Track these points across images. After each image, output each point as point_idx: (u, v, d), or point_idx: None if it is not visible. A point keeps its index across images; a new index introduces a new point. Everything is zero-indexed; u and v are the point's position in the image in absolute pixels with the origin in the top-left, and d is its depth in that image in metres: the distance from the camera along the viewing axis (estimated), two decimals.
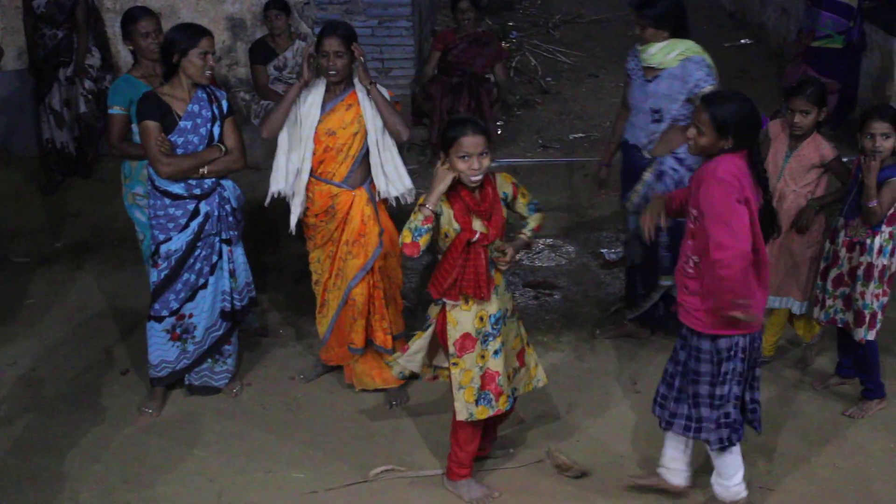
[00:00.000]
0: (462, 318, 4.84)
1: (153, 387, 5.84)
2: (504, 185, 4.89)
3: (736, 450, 4.83)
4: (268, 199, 5.73)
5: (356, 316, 5.71)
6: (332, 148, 5.53)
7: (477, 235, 4.73)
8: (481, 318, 4.85)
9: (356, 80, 5.55)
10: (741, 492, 4.92)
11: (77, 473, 5.31)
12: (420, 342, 5.00)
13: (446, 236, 4.76)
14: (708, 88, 5.69)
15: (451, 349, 4.87)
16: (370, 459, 5.40)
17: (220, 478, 5.29)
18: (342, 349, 5.86)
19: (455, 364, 4.89)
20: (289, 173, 5.63)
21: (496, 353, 4.88)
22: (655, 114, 5.89)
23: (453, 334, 4.86)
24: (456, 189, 4.72)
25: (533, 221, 5.04)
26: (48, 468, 5.33)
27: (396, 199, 5.67)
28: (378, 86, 5.55)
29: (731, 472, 4.88)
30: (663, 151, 5.93)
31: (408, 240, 4.68)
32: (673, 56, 5.84)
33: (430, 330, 4.97)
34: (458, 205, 4.73)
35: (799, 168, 5.71)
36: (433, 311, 4.99)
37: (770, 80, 11.01)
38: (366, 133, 5.54)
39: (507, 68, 9.73)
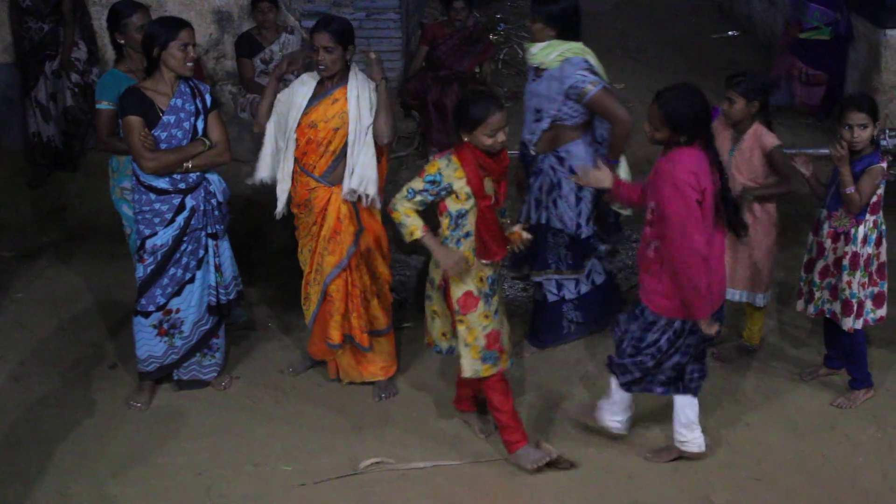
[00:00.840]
0: (465, 277, 5.02)
1: (141, 381, 5.83)
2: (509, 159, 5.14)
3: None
4: (255, 180, 5.75)
5: (332, 312, 5.71)
6: (314, 141, 5.51)
7: (493, 199, 4.98)
8: (480, 279, 5.05)
9: (351, 76, 5.52)
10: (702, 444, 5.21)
11: (66, 467, 5.30)
12: (432, 310, 5.28)
13: (465, 199, 4.93)
14: (588, 88, 5.68)
15: (456, 307, 5.06)
16: (359, 452, 5.41)
17: (209, 471, 5.28)
18: (324, 344, 5.86)
19: (461, 321, 5.08)
20: (274, 161, 5.64)
21: (496, 312, 5.11)
22: (537, 113, 5.89)
23: (456, 293, 5.05)
24: (472, 155, 4.89)
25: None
26: (37, 462, 5.32)
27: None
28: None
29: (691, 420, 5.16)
30: (545, 149, 5.94)
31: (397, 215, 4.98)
32: (553, 57, 5.78)
33: (438, 294, 5.18)
34: (472, 169, 4.88)
35: (743, 161, 5.75)
36: (436, 273, 5.13)
37: (757, 72, 11.00)
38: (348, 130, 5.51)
39: (492, 65, 9.72)
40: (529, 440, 5.30)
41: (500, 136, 4.86)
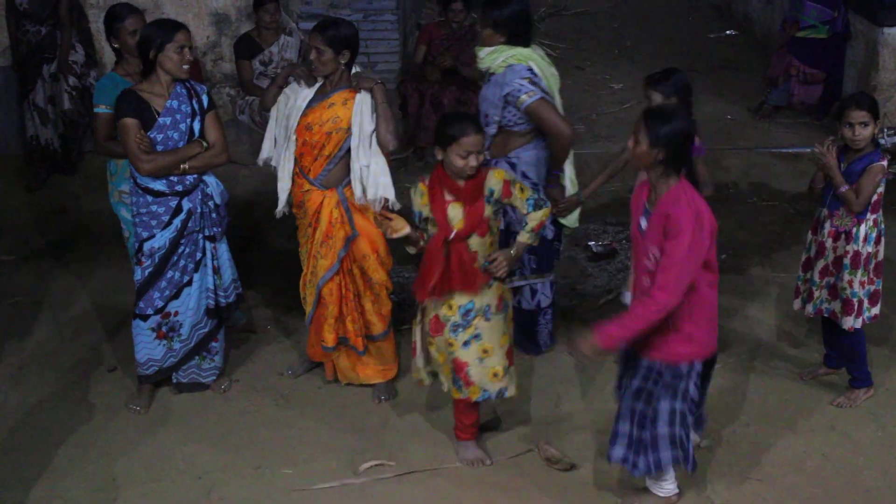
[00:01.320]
0: (433, 302, 5.03)
1: (140, 384, 5.82)
2: (493, 181, 4.91)
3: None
4: (259, 161, 5.78)
5: (326, 315, 5.71)
6: (308, 143, 5.50)
7: (453, 234, 4.85)
8: (450, 306, 5.00)
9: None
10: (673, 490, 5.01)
11: (65, 471, 5.30)
12: (417, 337, 5.24)
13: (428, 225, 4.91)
14: (524, 98, 5.62)
15: (426, 328, 5.10)
16: (359, 455, 5.40)
17: (209, 474, 5.28)
18: (319, 346, 5.86)
19: (430, 343, 5.14)
20: (277, 142, 5.65)
21: (465, 343, 5.02)
22: (485, 118, 5.81)
23: (428, 315, 5.09)
24: (439, 180, 4.86)
25: (532, 221, 5.06)
26: (36, 466, 5.31)
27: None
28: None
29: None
30: (497, 154, 5.89)
31: None
32: (499, 62, 5.73)
33: (419, 318, 5.17)
34: (436, 196, 4.85)
35: None
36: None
37: (755, 71, 11.00)
38: (344, 135, 5.48)
39: None
40: (532, 441, 5.36)
41: (472, 161, 4.77)
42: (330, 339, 5.73)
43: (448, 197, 4.87)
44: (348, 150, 5.51)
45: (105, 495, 5.14)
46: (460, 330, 5.01)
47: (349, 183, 5.56)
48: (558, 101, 5.88)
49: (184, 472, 5.31)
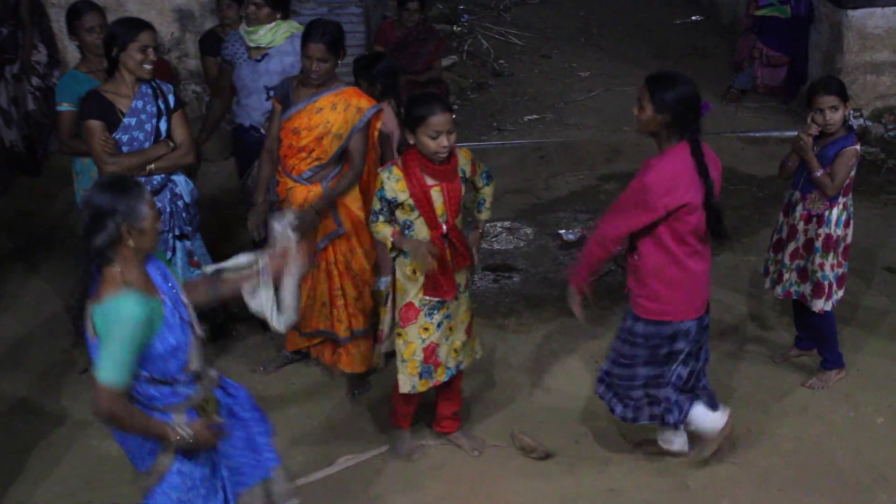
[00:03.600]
0: (409, 287, 4.94)
1: None
2: (463, 160, 4.93)
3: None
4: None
5: (306, 305, 5.70)
6: (295, 147, 5.47)
7: (445, 228, 4.82)
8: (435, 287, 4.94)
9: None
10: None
11: (37, 475, 5.26)
12: (388, 318, 5.13)
13: (409, 210, 4.81)
14: None
15: (396, 317, 5.00)
16: (334, 449, 5.40)
17: None
18: (295, 333, 5.86)
19: (399, 335, 5.01)
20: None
21: (439, 325, 4.97)
22: (270, 91, 6.05)
23: (399, 302, 4.99)
24: (415, 162, 4.78)
25: (487, 197, 5.16)
26: (7, 470, 5.27)
27: None
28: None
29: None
30: None
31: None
32: (280, 34, 6.12)
33: (390, 302, 5.08)
34: (415, 180, 4.76)
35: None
36: (388, 282, 5.10)
37: (721, 57, 11.06)
38: (334, 140, 5.42)
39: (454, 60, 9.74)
40: (509, 430, 5.40)
41: (444, 140, 4.70)
42: (308, 326, 5.75)
43: (430, 181, 4.79)
44: (340, 155, 5.49)
45: (79, 498, 5.11)
46: (435, 312, 4.95)
47: (336, 175, 5.53)
48: None
49: None
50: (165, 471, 3.84)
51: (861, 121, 8.93)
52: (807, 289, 5.61)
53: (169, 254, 5.59)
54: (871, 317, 6.43)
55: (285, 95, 5.51)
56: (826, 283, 5.55)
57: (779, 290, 5.75)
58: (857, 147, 5.44)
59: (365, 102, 5.49)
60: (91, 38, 5.81)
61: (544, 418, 5.61)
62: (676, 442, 5.15)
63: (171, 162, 5.49)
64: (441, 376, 5.07)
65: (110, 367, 3.54)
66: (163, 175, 5.48)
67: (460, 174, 4.88)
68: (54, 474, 5.27)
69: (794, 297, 5.71)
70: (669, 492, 5.07)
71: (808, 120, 5.43)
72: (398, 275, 4.97)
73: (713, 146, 4.77)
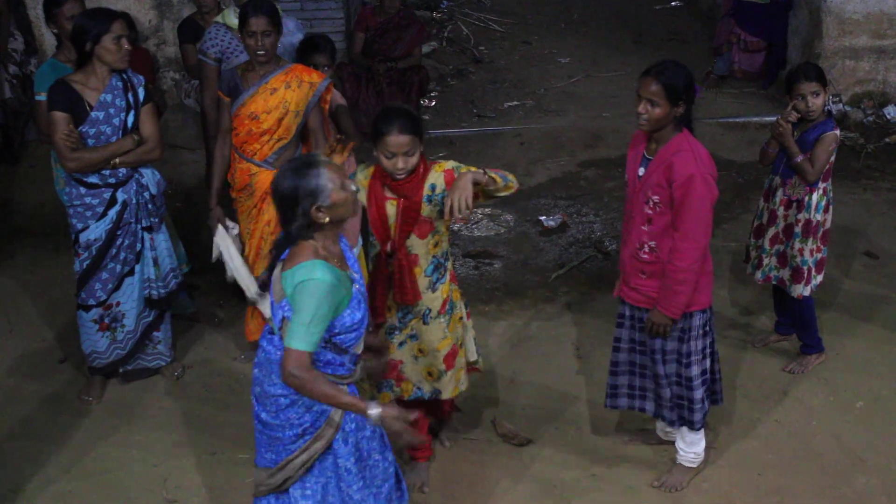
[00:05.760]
0: None
1: (91, 375, 5.75)
2: (434, 175, 4.52)
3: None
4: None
5: None
6: (255, 132, 5.45)
7: (388, 246, 4.56)
8: (389, 309, 4.73)
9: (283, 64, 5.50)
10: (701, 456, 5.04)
11: (17, 464, 5.23)
12: None
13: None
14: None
15: None
16: None
17: (165, 462, 5.24)
18: (256, 321, 5.81)
19: None
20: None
21: (401, 344, 4.76)
22: None
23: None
24: (379, 172, 4.52)
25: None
26: None
27: None
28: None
29: (696, 440, 4.98)
30: None
31: None
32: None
33: None
34: (376, 189, 4.53)
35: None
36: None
37: (701, 42, 11.07)
38: (294, 118, 5.43)
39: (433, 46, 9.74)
40: (490, 417, 5.35)
41: (399, 162, 4.35)
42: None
43: (388, 193, 4.51)
44: (300, 132, 5.50)
45: (60, 487, 5.09)
46: (396, 332, 4.76)
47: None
48: None
49: (139, 460, 5.26)
50: (312, 460, 3.92)
51: (840, 106, 8.95)
52: (786, 274, 5.63)
53: (139, 245, 5.55)
54: (850, 301, 6.46)
55: (234, 87, 5.48)
56: (805, 268, 5.57)
57: (758, 274, 5.76)
58: (837, 132, 5.45)
59: (316, 77, 5.52)
60: (71, 26, 5.76)
61: (525, 404, 5.62)
62: (702, 443, 5.01)
63: (136, 157, 5.41)
64: (407, 393, 4.85)
65: (300, 331, 3.63)
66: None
67: (427, 192, 4.49)
68: (35, 464, 5.22)
69: (774, 283, 5.73)
70: (651, 477, 5.08)
71: (789, 107, 5.44)
72: None
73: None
